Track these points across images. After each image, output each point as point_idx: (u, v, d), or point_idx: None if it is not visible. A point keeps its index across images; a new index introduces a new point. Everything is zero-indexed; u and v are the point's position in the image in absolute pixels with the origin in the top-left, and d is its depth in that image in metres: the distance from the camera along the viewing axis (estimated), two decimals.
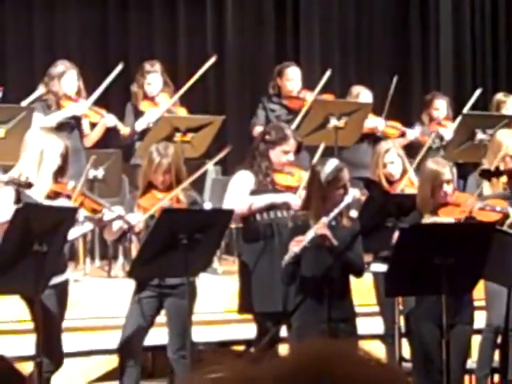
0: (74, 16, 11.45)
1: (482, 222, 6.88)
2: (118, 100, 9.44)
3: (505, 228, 6.89)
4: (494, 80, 11.55)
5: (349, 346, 0.83)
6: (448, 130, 9.44)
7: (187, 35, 11.82)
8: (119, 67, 9.00)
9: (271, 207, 7.24)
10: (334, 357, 0.82)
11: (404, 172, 7.70)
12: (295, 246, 6.57)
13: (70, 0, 11.47)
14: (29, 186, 6.68)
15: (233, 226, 7.60)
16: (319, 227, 6.58)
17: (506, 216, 7.08)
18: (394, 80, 9.44)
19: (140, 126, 8.96)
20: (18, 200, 6.71)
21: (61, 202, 6.79)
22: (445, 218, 6.91)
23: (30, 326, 6.56)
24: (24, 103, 8.58)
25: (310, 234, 6.58)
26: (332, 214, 6.63)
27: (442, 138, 9.49)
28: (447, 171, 7.03)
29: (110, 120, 8.92)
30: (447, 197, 6.95)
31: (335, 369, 0.81)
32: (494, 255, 6.43)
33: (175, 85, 9.31)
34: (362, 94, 9.52)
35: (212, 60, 9.28)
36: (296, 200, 7.14)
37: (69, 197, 6.83)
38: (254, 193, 7.24)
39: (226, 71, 11.67)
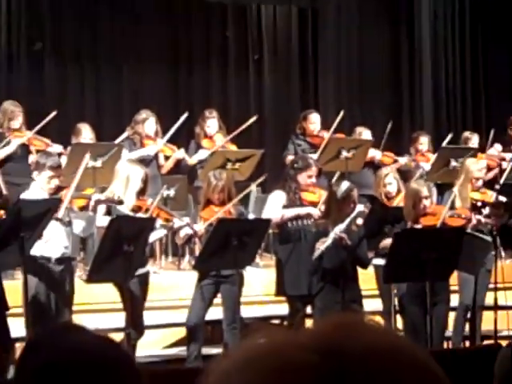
0: (153, 77, 11.46)
1: (455, 227, 6.86)
2: (185, 138, 9.44)
3: (469, 230, 6.86)
4: (463, 120, 11.42)
5: (362, 317, 0.81)
6: (427, 164, 9.41)
7: (236, 89, 11.80)
8: (185, 115, 9.04)
9: (298, 217, 7.24)
10: (352, 324, 0.81)
11: (399, 191, 7.68)
12: (321, 245, 6.58)
13: (150, 65, 11.47)
14: (120, 202, 6.72)
15: (270, 231, 7.56)
16: (338, 231, 6.59)
17: (469, 221, 7.07)
18: (389, 125, 9.42)
19: (201, 157, 8.98)
20: (108, 212, 6.74)
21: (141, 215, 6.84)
22: (424, 224, 6.92)
23: (120, 305, 6.56)
24: (116, 141, 8.60)
25: (332, 236, 6.58)
26: (346, 222, 6.62)
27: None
28: (425, 190, 7.03)
29: (179, 154, 8.95)
30: (426, 209, 6.94)
31: (353, 333, 0.78)
32: (464, 251, 6.42)
33: (227, 127, 9.32)
34: (364, 133, 9.52)
35: (253, 118, 9.28)
36: (316, 212, 7.12)
37: (147, 210, 6.85)
38: (285, 207, 7.23)
39: (265, 116, 11.63)
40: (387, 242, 6.67)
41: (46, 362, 1.84)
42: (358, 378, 0.75)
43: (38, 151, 7.89)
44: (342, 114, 9.44)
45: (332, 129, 9.25)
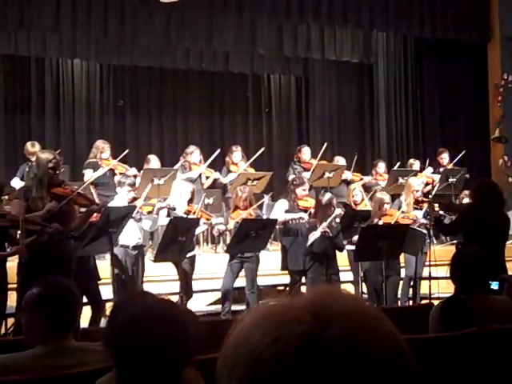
0: (198, 124, 11.50)
1: (403, 224, 6.82)
2: (220, 164, 9.43)
3: (413, 226, 6.82)
4: (407, 151, 11.37)
5: (339, 288, 0.81)
6: (384, 181, 9.35)
7: (253, 132, 11.81)
8: (218, 150, 8.99)
9: (293, 219, 7.17)
10: (333, 292, 0.80)
11: (362, 199, 7.64)
12: (312, 236, 6.54)
13: (195, 116, 11.48)
14: (173, 209, 6.71)
15: (277, 227, 7.55)
16: (323, 227, 6.55)
17: (414, 221, 7.02)
18: (355, 158, 9.35)
19: (230, 178, 8.98)
20: (168, 215, 6.74)
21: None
22: (384, 221, 6.88)
23: (176, 277, 6.55)
24: (175, 167, 8.61)
25: (319, 230, 6.54)
26: (328, 220, 6.58)
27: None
28: (387, 198, 7.01)
29: (215, 175, 8.95)
30: (386, 211, 6.91)
31: (333, 299, 0.78)
32: (408, 239, 6.38)
33: (247, 157, 9.32)
34: (340, 160, 9.48)
35: (261, 150, 9.17)
36: (305, 216, 7.03)
37: (194, 213, 6.83)
38: (287, 211, 7.18)
39: (273, 150, 11.65)
40: (356, 235, 6.63)
41: (126, 316, 1.85)
42: (337, 329, 0.74)
43: (120, 173, 7.93)
44: (325, 145, 9.37)
45: (318, 158, 9.23)
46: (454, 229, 6.00)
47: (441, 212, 6.56)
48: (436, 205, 6.49)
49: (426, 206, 6.90)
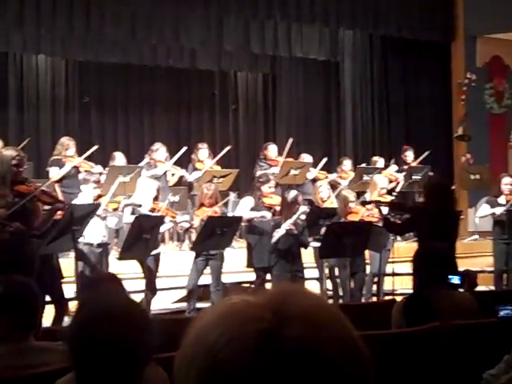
0: (164, 120, 11.42)
1: (367, 221, 6.86)
2: (186, 161, 9.37)
3: (377, 224, 6.86)
4: (373, 149, 11.43)
5: (301, 286, 0.81)
6: (346, 181, 9.35)
7: (220, 129, 11.78)
8: (185, 148, 8.88)
9: (256, 217, 7.15)
10: (293, 290, 0.79)
11: (328, 197, 7.67)
12: (277, 234, 6.54)
13: (162, 112, 11.42)
14: (140, 206, 6.65)
15: (243, 224, 7.54)
16: (288, 224, 6.55)
17: (379, 219, 7.06)
18: (324, 160, 9.27)
19: (195, 176, 8.92)
20: (133, 212, 6.68)
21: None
22: (349, 219, 6.91)
23: (141, 275, 6.51)
24: (140, 164, 8.54)
25: (284, 227, 6.55)
26: (293, 218, 6.59)
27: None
28: (351, 196, 7.03)
29: (181, 172, 8.88)
30: (351, 209, 6.93)
31: (293, 297, 0.78)
32: (372, 237, 6.42)
33: (213, 154, 9.28)
34: (306, 158, 9.49)
35: (228, 148, 9.12)
36: (268, 214, 6.93)
37: (159, 210, 6.79)
38: (253, 208, 7.18)
39: (240, 147, 11.63)
40: (321, 232, 6.65)
41: (85, 314, 1.83)
42: (296, 328, 0.73)
43: (85, 171, 7.84)
44: (290, 141, 9.36)
45: (284, 155, 9.24)
46: (405, 228, 6.05)
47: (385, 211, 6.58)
48: (383, 205, 6.54)
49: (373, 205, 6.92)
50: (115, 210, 6.71)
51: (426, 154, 9.58)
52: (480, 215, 8.36)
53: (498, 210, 7.78)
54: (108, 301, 1.88)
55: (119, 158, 8.58)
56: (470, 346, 3.56)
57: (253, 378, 0.72)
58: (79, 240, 5.96)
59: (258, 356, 0.72)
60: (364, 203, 7.08)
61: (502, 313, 3.32)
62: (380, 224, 6.77)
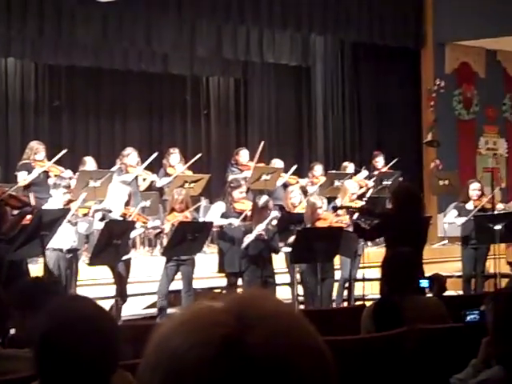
0: (136, 125, 11.35)
1: (337, 227, 6.88)
2: (157, 167, 9.32)
3: (347, 229, 6.89)
4: (344, 155, 11.47)
5: (265, 291, 0.80)
6: (315, 186, 9.38)
7: (192, 134, 11.75)
8: (155, 154, 8.78)
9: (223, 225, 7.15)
10: (256, 296, 0.79)
11: (300, 202, 7.68)
12: (247, 239, 6.54)
13: (133, 117, 11.35)
14: (110, 211, 6.61)
15: (214, 229, 7.52)
16: (259, 230, 6.56)
17: (348, 225, 7.09)
18: (294, 167, 9.30)
19: (167, 181, 8.88)
20: (103, 218, 6.62)
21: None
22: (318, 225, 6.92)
23: (111, 281, 6.46)
24: (111, 169, 8.48)
25: (254, 233, 6.55)
26: (264, 223, 6.60)
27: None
28: (319, 202, 7.02)
29: (152, 177, 8.83)
30: (319, 215, 6.94)
31: (256, 302, 0.78)
32: (343, 242, 6.45)
33: (185, 159, 9.24)
34: (277, 163, 9.51)
35: (198, 156, 9.06)
36: (236, 221, 6.87)
37: (130, 216, 6.75)
38: (223, 214, 7.17)
39: (211, 152, 11.62)
40: (292, 238, 6.66)
41: (51, 321, 1.81)
42: (259, 334, 0.73)
43: (55, 176, 7.76)
44: (262, 144, 9.35)
45: (256, 158, 9.24)
46: (374, 234, 6.11)
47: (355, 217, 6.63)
48: (354, 211, 6.59)
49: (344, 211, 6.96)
50: (85, 215, 6.65)
51: (395, 161, 9.67)
52: (447, 221, 8.48)
53: (459, 221, 7.93)
54: (73, 307, 1.86)
55: (90, 163, 8.50)
56: (437, 350, 3.59)
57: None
58: (48, 246, 5.90)
59: (220, 362, 0.71)
60: (336, 209, 7.11)
61: (468, 317, 3.35)
62: (350, 229, 6.82)
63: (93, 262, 6.24)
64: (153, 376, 0.74)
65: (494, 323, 2.38)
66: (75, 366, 1.70)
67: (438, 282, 4.71)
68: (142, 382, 0.76)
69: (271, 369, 0.72)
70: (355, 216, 6.60)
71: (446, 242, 9.69)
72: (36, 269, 6.16)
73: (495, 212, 7.78)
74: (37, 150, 8.14)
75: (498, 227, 7.15)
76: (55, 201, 6.47)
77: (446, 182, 9.64)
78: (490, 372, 2.37)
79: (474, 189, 8.06)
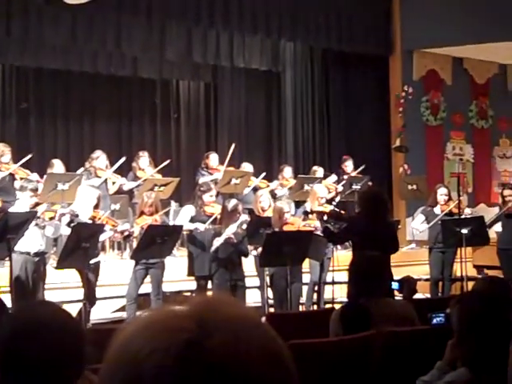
0: (105, 128, 11.26)
1: (306, 231, 6.88)
2: (126, 170, 9.26)
3: (317, 232, 6.90)
4: (313, 159, 11.54)
5: (226, 296, 0.80)
6: (285, 189, 9.41)
7: (161, 137, 11.71)
8: (123, 158, 8.69)
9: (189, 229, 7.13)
10: (217, 301, 0.79)
11: (269, 206, 7.68)
12: (217, 242, 6.52)
13: (102, 120, 11.26)
14: (77, 216, 6.54)
15: (184, 233, 7.49)
16: (228, 234, 6.54)
17: (316, 228, 7.10)
18: (262, 174, 9.33)
19: (135, 184, 8.82)
20: (71, 222, 6.54)
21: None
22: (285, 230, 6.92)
23: (80, 284, 6.39)
24: (78, 172, 8.39)
25: (223, 236, 6.53)
26: (233, 226, 6.59)
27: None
28: (286, 207, 7.03)
29: (121, 181, 8.75)
30: (286, 220, 6.94)
31: (217, 306, 0.77)
32: (312, 246, 6.47)
33: (155, 163, 9.20)
34: (246, 167, 9.51)
35: (167, 162, 9.04)
36: (202, 227, 6.83)
37: (100, 219, 6.68)
38: (193, 217, 7.15)
39: (181, 155, 11.59)
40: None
41: (14, 327, 1.78)
42: (219, 338, 0.73)
43: (21, 179, 7.66)
44: (232, 146, 9.36)
45: (226, 160, 9.23)
46: (342, 237, 6.14)
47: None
48: (325, 215, 6.62)
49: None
50: (51, 218, 6.57)
51: (362, 167, 9.73)
52: (413, 226, 8.58)
53: (422, 228, 8.08)
54: (36, 313, 1.83)
55: (58, 166, 8.42)
56: (404, 352, 3.62)
57: None
58: (15, 249, 5.81)
59: (180, 367, 0.71)
60: (306, 213, 7.13)
61: (434, 320, 3.38)
62: (319, 233, 6.84)
63: (60, 265, 6.16)
64: (113, 380, 0.74)
65: (459, 325, 2.40)
66: (38, 371, 1.67)
67: (409, 284, 4.73)
68: None
69: (230, 374, 0.71)
70: (324, 219, 6.62)
71: (413, 245, 9.79)
72: (2, 272, 6.07)
73: (462, 216, 7.88)
74: (2, 152, 8.03)
75: (464, 231, 7.24)
76: (22, 204, 6.38)
77: (415, 187, 9.74)
78: (455, 374, 2.39)
79: (441, 194, 8.17)
